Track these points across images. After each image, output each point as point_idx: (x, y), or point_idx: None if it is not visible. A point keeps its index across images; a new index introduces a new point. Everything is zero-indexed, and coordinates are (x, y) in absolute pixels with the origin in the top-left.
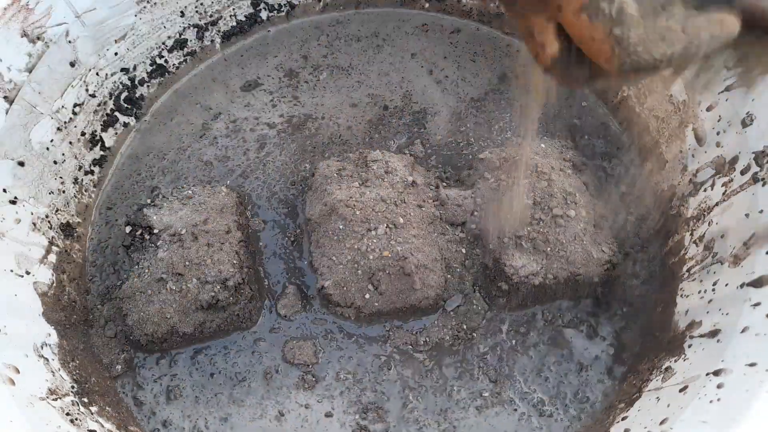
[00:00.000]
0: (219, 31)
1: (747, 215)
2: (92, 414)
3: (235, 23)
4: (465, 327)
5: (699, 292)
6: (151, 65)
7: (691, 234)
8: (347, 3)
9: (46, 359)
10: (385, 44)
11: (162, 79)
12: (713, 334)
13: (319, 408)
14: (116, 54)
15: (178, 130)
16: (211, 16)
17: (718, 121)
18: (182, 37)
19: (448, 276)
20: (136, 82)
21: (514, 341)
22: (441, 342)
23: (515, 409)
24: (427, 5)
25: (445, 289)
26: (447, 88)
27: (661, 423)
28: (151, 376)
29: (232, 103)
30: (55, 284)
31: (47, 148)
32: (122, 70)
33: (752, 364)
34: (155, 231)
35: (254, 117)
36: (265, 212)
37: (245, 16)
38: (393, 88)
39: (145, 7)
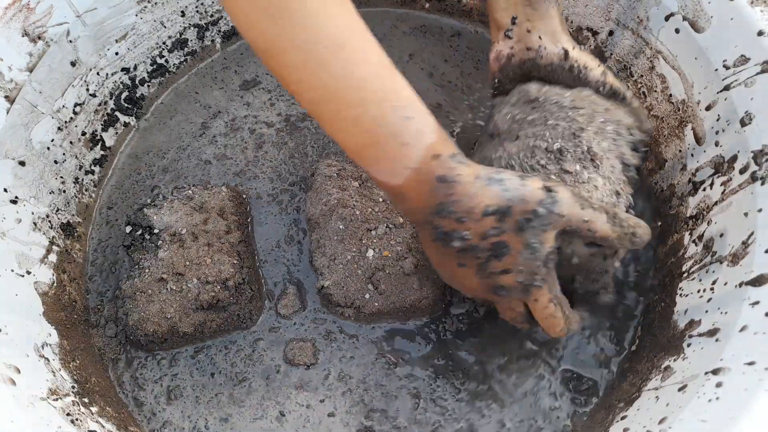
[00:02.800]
0: (219, 30)
1: (746, 214)
2: (92, 414)
3: None
4: (467, 327)
5: (698, 291)
6: (151, 65)
7: (691, 233)
8: None
9: (47, 359)
10: (382, 44)
11: (162, 78)
12: (712, 333)
13: (321, 408)
14: (117, 54)
15: (178, 129)
16: (211, 15)
17: (717, 120)
18: (183, 36)
19: None
20: (137, 82)
21: (516, 341)
22: (444, 341)
23: (516, 410)
24: (427, 5)
25: (445, 289)
26: (445, 87)
27: (660, 422)
28: (151, 377)
29: (231, 102)
30: (55, 284)
31: (48, 148)
32: (123, 69)
33: (751, 363)
34: (155, 231)
35: (253, 116)
36: (265, 212)
37: None
38: None
39: (145, 7)
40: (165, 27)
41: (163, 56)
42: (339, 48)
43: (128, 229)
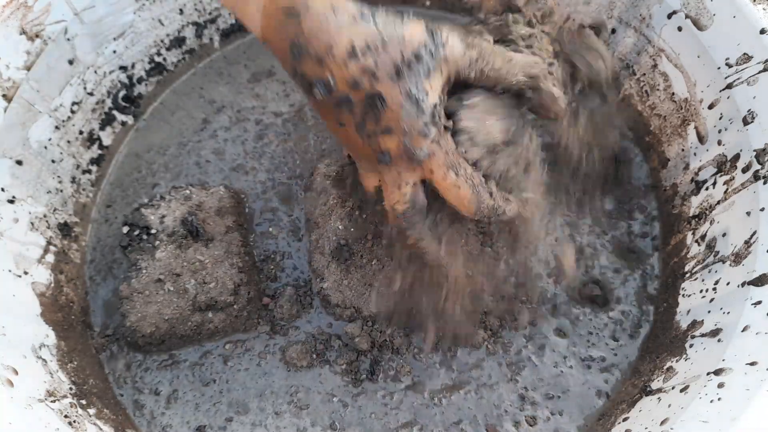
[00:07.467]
0: (218, 28)
1: (748, 213)
2: (90, 416)
3: (234, 20)
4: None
5: (701, 291)
6: (149, 63)
7: (693, 233)
8: None
9: (44, 360)
10: None
11: (160, 77)
12: (714, 333)
13: (322, 410)
14: (114, 52)
15: (179, 125)
16: (209, 13)
17: (720, 118)
18: (181, 34)
19: None
20: (134, 80)
21: (519, 339)
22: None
23: (516, 411)
24: (428, 2)
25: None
26: None
27: (662, 423)
28: (151, 380)
29: (239, 95)
30: (52, 284)
31: (45, 147)
32: (120, 68)
33: (753, 363)
34: (152, 231)
35: (261, 106)
36: (264, 212)
37: None
38: None
39: (144, 5)
40: (163, 25)
41: (161, 54)
42: None
43: (125, 229)
